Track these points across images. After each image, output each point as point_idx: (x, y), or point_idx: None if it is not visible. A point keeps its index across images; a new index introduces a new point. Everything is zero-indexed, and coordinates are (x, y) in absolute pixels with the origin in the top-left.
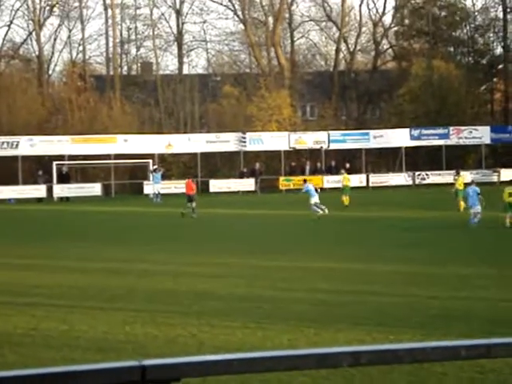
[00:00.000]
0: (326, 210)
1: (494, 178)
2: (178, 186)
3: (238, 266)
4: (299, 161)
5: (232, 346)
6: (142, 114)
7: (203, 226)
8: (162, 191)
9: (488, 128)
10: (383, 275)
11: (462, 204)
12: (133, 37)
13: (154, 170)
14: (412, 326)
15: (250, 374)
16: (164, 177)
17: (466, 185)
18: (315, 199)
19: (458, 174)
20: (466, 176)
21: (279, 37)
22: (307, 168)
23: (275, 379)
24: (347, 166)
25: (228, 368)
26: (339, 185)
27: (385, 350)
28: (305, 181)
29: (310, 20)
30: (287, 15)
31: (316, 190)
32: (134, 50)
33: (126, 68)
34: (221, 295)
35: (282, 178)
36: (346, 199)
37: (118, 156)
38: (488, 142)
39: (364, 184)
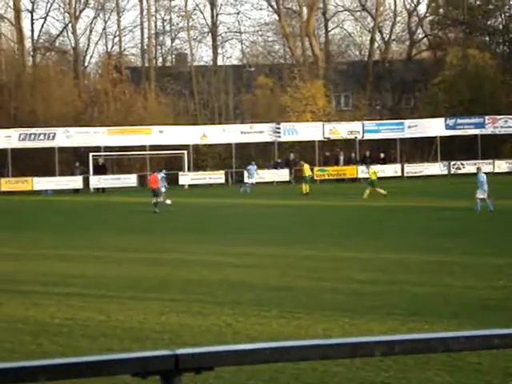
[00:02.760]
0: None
1: None
2: (212, 177)
3: (271, 256)
4: (333, 151)
5: (266, 336)
6: (177, 106)
7: (236, 217)
8: (196, 182)
9: None
10: (418, 265)
11: (367, 192)
12: (167, 28)
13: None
14: (447, 316)
15: (284, 364)
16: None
17: None
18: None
19: (367, 167)
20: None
21: (313, 27)
22: (341, 158)
23: (309, 368)
24: (382, 155)
25: (261, 357)
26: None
27: (418, 339)
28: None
29: (345, 10)
30: (321, 5)
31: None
32: (168, 42)
33: (160, 59)
34: (255, 285)
35: (316, 169)
36: (305, 187)
37: (153, 147)
38: None
39: (399, 174)
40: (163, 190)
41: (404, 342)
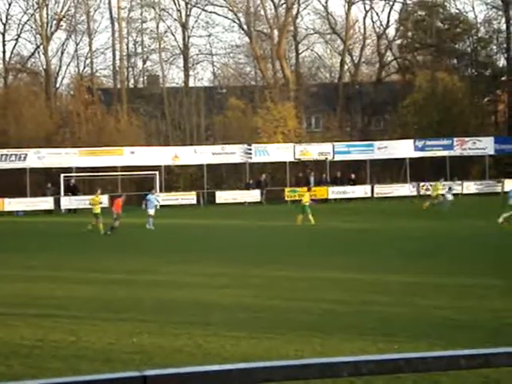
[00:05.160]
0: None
1: (498, 189)
2: (184, 198)
3: (243, 276)
4: (304, 172)
5: (238, 357)
6: (149, 127)
7: (208, 237)
8: (168, 202)
9: (492, 139)
10: (389, 285)
11: (300, 217)
12: (139, 50)
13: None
14: (417, 336)
15: None
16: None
17: None
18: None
19: (309, 189)
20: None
21: (284, 49)
22: (312, 179)
23: None
24: (352, 176)
25: (228, 378)
26: (344, 195)
27: (385, 359)
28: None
29: (315, 33)
30: (292, 28)
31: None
32: (140, 64)
33: (132, 81)
34: (226, 305)
35: (287, 189)
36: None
37: (124, 168)
38: (492, 152)
39: (369, 195)
40: (151, 211)
41: (371, 363)
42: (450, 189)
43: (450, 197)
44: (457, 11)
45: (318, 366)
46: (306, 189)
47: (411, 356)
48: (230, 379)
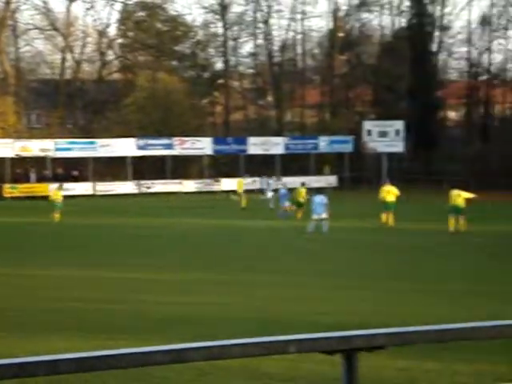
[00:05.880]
0: None
1: (216, 188)
2: None
3: None
4: (25, 168)
5: None
6: None
7: None
8: None
9: (210, 139)
10: (111, 282)
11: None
12: None
13: None
14: (134, 332)
15: None
16: None
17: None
18: None
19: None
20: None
21: (4, 43)
22: (32, 176)
23: None
24: (75, 173)
25: None
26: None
27: (85, 357)
28: None
29: (35, 28)
30: (11, 22)
31: None
32: None
33: None
34: None
35: (7, 186)
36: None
37: None
38: (210, 152)
39: (91, 192)
40: None
41: (66, 361)
42: (268, 185)
43: (270, 194)
44: (176, 13)
45: (17, 365)
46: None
47: (108, 353)
48: None
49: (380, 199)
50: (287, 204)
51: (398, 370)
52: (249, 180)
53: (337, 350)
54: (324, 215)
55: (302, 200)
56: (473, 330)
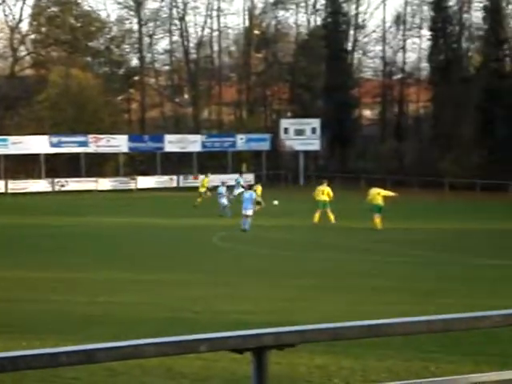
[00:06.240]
0: None
1: (132, 186)
2: None
3: None
4: None
5: None
6: None
7: None
8: None
9: (126, 137)
10: (32, 281)
11: None
12: None
13: None
14: (51, 332)
15: None
16: None
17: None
18: None
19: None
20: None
21: None
22: None
23: None
24: None
25: None
26: None
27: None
28: None
29: None
30: None
31: None
32: None
33: None
34: None
35: None
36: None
37: None
38: (126, 150)
39: (3, 190)
40: None
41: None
42: (223, 183)
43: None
44: (90, 9)
45: None
46: None
47: (16, 354)
48: None
49: (314, 198)
50: (252, 207)
51: (315, 367)
52: (166, 178)
53: (246, 348)
54: (249, 212)
55: (259, 198)
56: (382, 326)
